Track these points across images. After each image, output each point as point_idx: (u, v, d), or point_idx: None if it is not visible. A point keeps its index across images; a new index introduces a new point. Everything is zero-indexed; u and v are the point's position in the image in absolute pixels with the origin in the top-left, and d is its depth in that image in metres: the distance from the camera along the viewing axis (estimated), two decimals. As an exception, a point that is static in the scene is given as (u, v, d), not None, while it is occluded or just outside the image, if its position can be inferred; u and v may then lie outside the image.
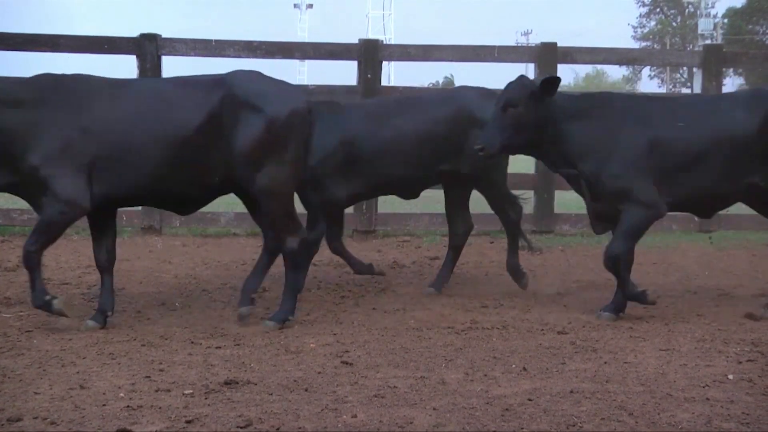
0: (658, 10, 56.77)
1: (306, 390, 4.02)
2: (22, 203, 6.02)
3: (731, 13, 48.21)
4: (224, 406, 3.79)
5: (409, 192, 6.38)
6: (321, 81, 11.61)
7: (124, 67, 15.35)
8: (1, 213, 9.17)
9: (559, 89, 5.51)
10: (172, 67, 9.47)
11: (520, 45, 39.49)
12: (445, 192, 6.54)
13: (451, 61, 9.90)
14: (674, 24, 57.02)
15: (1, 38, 9.10)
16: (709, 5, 53.35)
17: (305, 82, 14.72)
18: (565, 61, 9.61)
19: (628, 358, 4.61)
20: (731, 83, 40.34)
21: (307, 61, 38.65)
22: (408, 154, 6.06)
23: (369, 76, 9.20)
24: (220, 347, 4.77)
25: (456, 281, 6.50)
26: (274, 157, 5.09)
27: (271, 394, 3.96)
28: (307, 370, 4.35)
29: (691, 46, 48.13)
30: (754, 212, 6.10)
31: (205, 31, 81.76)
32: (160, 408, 3.74)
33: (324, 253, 7.70)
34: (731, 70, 34.07)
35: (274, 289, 6.09)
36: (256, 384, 4.10)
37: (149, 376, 4.20)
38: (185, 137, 5.03)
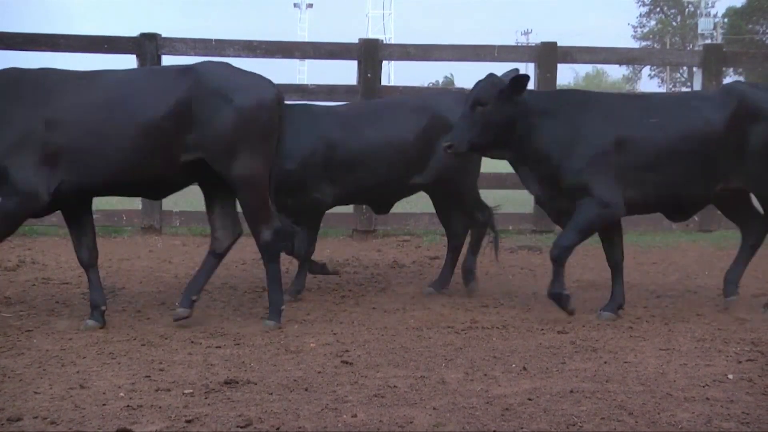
0: (658, 9, 56.72)
1: (306, 389, 4.02)
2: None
3: (731, 13, 48.16)
4: (224, 405, 3.79)
5: (381, 204, 6.37)
6: (321, 81, 11.63)
7: (124, 66, 15.32)
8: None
9: (529, 87, 5.47)
10: (172, 66, 9.46)
11: (520, 45, 39.49)
12: (431, 199, 6.53)
13: (451, 60, 9.92)
14: (674, 23, 56.98)
15: (0, 38, 9.09)
16: (709, 5, 53.36)
17: (305, 82, 14.73)
18: (565, 60, 9.62)
19: (628, 358, 4.61)
20: (731, 83, 40.25)
21: (307, 61, 38.78)
22: (379, 164, 6.02)
23: (369, 75, 9.20)
24: (220, 347, 4.77)
25: (456, 281, 6.49)
26: (246, 147, 5.09)
27: (271, 393, 3.96)
28: (307, 369, 4.35)
29: (691, 46, 48.06)
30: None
31: (205, 30, 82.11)
32: (160, 408, 3.74)
33: (324, 254, 7.72)
34: (731, 69, 33.93)
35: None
36: (256, 384, 4.10)
37: (149, 376, 4.20)
38: (153, 123, 5.03)
